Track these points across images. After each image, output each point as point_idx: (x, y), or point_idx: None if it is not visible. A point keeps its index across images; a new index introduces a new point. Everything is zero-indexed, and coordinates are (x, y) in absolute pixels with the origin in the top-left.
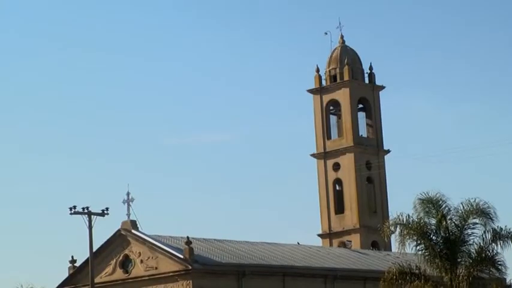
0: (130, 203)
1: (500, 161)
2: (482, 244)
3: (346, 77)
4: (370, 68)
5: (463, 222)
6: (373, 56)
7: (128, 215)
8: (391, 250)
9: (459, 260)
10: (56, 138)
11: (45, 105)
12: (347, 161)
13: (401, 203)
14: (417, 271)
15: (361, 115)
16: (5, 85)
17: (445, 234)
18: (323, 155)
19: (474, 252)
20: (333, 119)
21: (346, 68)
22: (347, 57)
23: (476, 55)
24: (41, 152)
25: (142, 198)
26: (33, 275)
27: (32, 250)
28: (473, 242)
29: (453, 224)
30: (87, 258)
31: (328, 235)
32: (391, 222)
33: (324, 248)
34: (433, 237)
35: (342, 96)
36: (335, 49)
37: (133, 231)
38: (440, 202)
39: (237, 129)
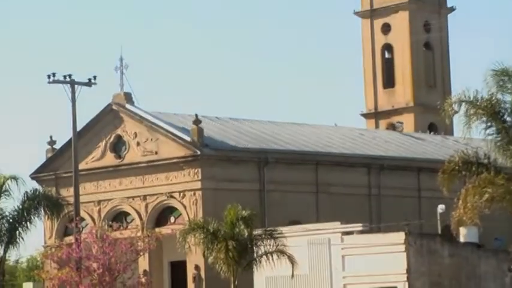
0: (124, 70)
1: None
2: None
3: None
4: None
5: None
6: None
7: (121, 85)
8: (452, 135)
9: None
10: None
11: None
12: (400, 21)
13: (467, 75)
14: (486, 161)
15: None
16: None
17: None
18: (369, 13)
19: None
20: None
21: None
22: None
23: None
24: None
25: (138, 66)
26: (3, 158)
27: (0, 128)
28: None
29: None
30: (70, 139)
31: (374, 115)
32: (453, 99)
33: (368, 131)
34: (508, 119)
35: None
36: None
37: (127, 106)
38: None
39: None
